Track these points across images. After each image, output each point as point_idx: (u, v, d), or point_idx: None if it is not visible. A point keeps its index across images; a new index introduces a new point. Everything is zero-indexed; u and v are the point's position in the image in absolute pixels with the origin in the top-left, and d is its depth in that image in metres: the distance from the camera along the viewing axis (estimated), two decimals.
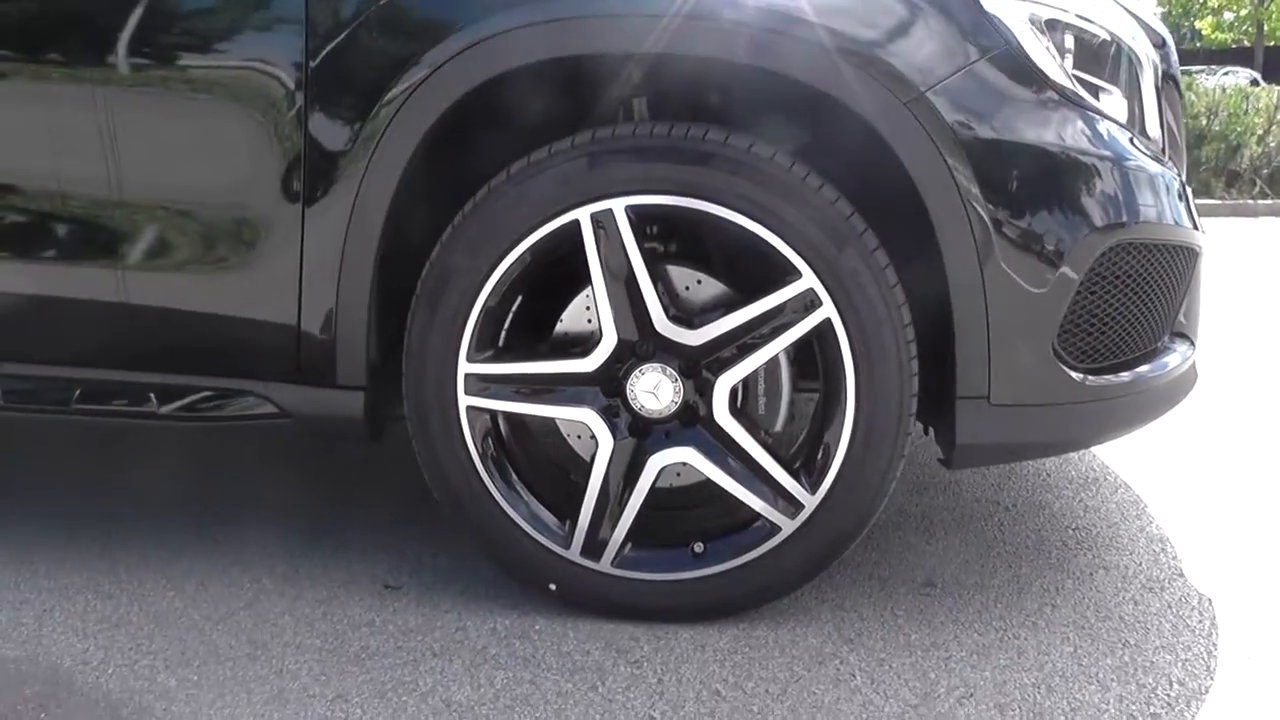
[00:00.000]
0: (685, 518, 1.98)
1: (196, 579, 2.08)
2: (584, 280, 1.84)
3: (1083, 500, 2.53)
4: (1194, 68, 19.07)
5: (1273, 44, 33.59)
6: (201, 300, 1.93)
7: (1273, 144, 10.49)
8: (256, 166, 1.85)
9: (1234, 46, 36.14)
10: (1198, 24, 37.62)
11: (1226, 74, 20.38)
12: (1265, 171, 10.43)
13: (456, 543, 2.18)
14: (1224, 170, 10.41)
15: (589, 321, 1.91)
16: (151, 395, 1.97)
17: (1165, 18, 37.08)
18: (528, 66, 1.78)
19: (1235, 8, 35.14)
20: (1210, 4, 35.60)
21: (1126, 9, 2.07)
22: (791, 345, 1.82)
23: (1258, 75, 22.06)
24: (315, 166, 1.83)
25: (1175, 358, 2.03)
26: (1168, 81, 2.12)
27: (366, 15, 1.80)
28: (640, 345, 1.84)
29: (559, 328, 1.95)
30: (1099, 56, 1.91)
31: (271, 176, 1.84)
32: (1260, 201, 10.14)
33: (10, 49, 1.91)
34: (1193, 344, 2.12)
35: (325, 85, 1.82)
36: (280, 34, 1.82)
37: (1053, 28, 1.84)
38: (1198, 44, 37.52)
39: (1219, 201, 9.97)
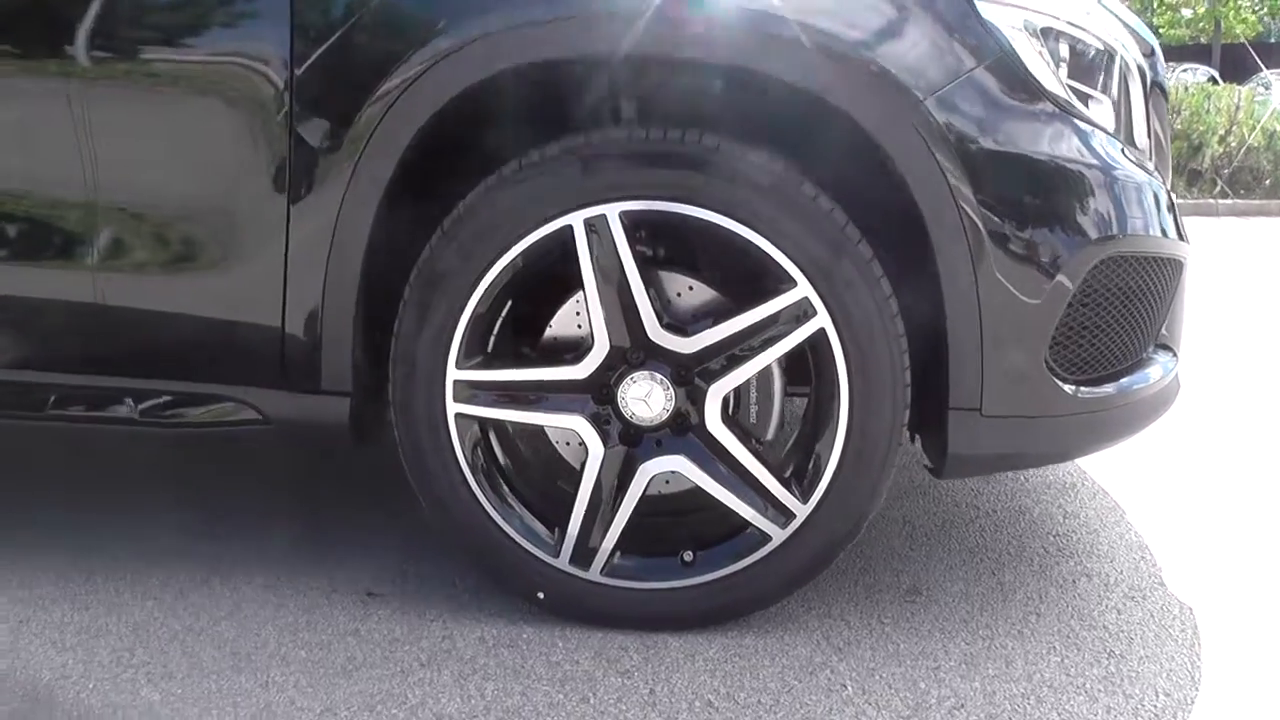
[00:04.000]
0: (674, 526, 1.96)
1: (175, 588, 2.04)
2: (573, 285, 1.82)
3: (1061, 506, 2.54)
4: None
5: (1229, 42, 33.99)
6: (181, 302, 1.89)
7: (1234, 144, 10.61)
8: (242, 161, 1.80)
9: (1191, 44, 36.56)
10: (1155, 20, 38.03)
11: (1185, 70, 20.60)
12: (1226, 171, 10.56)
13: (440, 549, 2.15)
14: (1186, 169, 10.52)
15: (579, 327, 1.89)
16: (128, 400, 1.93)
17: None
18: (517, 68, 1.75)
19: (1193, 5, 35.55)
20: (1168, 1, 35.97)
21: (1117, 15, 2.07)
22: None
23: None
24: (301, 163, 1.79)
25: (1158, 370, 2.03)
26: (1155, 89, 2.12)
27: (359, 15, 1.76)
28: (632, 353, 1.82)
29: (548, 334, 1.93)
30: (1091, 65, 1.91)
31: (258, 172, 1.80)
32: (1221, 201, 10.25)
33: None
34: (1175, 355, 2.12)
35: (313, 82, 1.78)
36: (267, 30, 1.78)
37: (1047, 35, 1.83)
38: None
39: (1181, 201, 10.03)
